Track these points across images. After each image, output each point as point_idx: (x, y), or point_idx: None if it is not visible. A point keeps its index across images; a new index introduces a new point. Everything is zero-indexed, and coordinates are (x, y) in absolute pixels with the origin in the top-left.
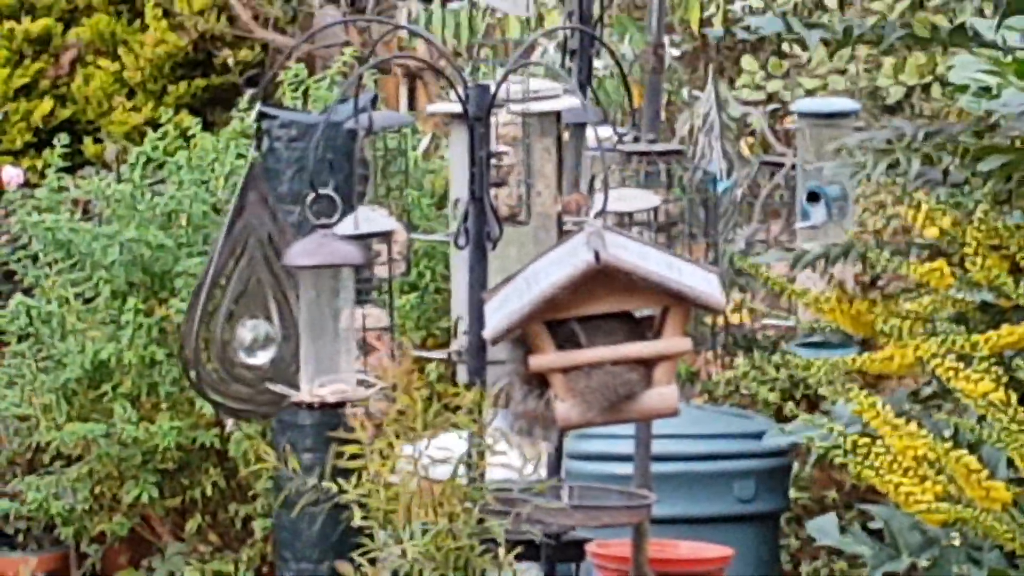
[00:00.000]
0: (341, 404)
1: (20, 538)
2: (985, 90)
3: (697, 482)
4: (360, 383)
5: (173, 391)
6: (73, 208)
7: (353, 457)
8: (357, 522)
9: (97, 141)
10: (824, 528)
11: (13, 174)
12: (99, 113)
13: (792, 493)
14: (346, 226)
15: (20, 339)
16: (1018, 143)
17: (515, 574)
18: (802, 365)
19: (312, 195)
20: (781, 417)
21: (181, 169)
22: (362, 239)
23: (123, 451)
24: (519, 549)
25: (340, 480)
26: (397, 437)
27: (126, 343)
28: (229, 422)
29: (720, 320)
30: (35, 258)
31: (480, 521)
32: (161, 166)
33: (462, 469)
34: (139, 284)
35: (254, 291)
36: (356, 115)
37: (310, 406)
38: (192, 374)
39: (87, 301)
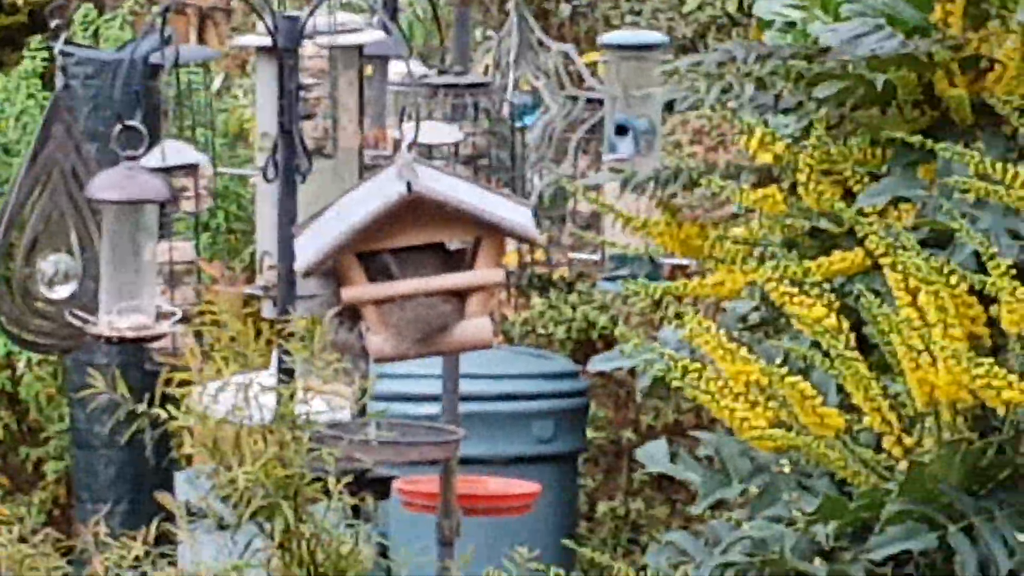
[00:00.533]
0: (141, 339)
1: None
2: (790, 25)
3: (497, 422)
4: (160, 316)
5: None
6: None
7: (181, 384)
8: (186, 450)
9: None
10: (653, 455)
11: None
12: None
13: (589, 433)
14: (153, 158)
15: None
16: (850, 68)
17: (345, 504)
18: (632, 290)
19: (119, 127)
20: (577, 357)
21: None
22: (169, 172)
23: None
24: (349, 478)
25: (168, 407)
26: (227, 364)
27: None
28: (20, 365)
29: (513, 260)
30: None
31: (310, 450)
32: None
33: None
34: None
35: (56, 225)
36: (162, 47)
37: (108, 340)
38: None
39: None
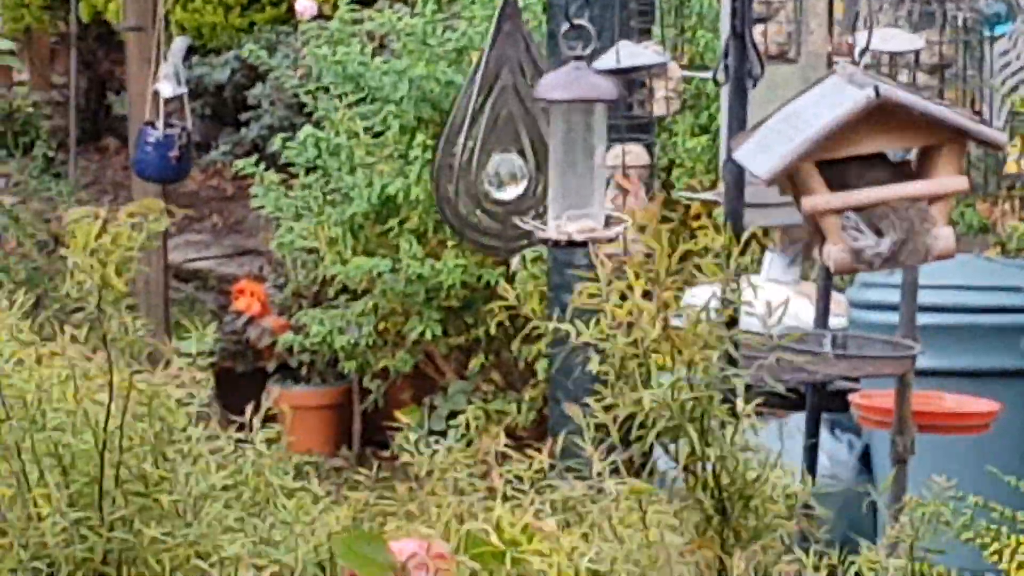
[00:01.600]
0: (588, 242)
1: (304, 371)
2: None
3: (983, 335)
4: (609, 221)
5: None
6: (368, 41)
7: (592, 297)
8: (594, 368)
9: None
10: None
11: (307, 5)
12: None
13: None
14: (607, 60)
15: (308, 171)
16: None
17: (755, 428)
18: None
19: (567, 25)
20: None
21: (474, 3)
22: (623, 73)
23: (408, 287)
24: (759, 400)
25: (577, 322)
26: (638, 280)
27: (414, 178)
28: (514, 261)
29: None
30: (326, 90)
31: (720, 371)
32: (454, 1)
33: (705, 316)
34: (428, 120)
35: (505, 125)
36: None
37: (556, 243)
38: (444, 209)
39: (376, 135)
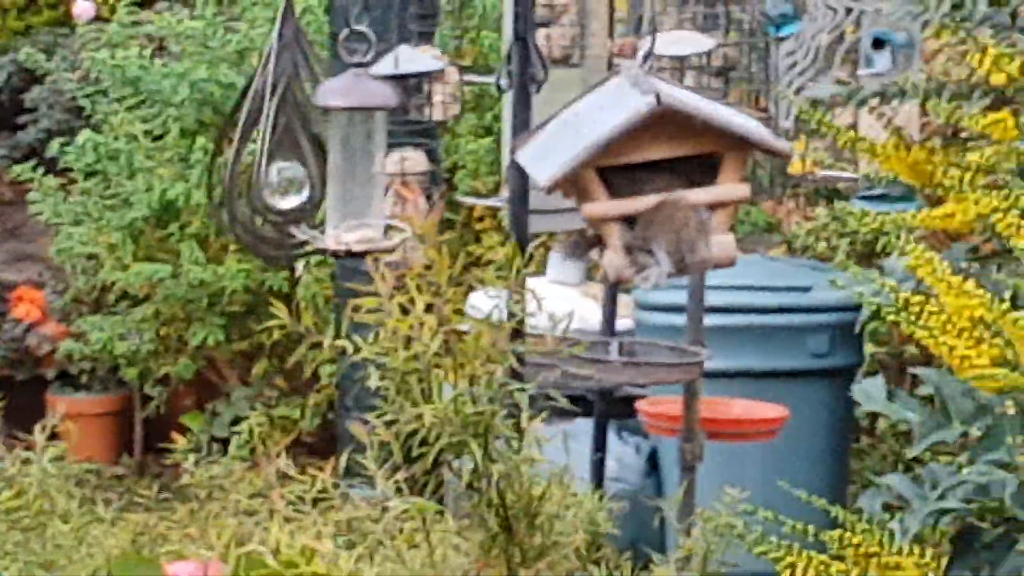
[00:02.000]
0: (367, 253)
1: (84, 379)
2: None
3: (770, 335)
4: (389, 230)
5: None
6: (147, 44)
7: (371, 312)
8: (373, 383)
9: None
10: (870, 392)
11: (85, 7)
12: None
13: (870, 348)
14: (386, 65)
15: (87, 176)
16: None
17: (538, 441)
18: (857, 216)
19: (346, 31)
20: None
21: (255, 5)
22: (402, 79)
23: (189, 292)
24: (543, 415)
25: (356, 337)
26: (420, 292)
27: (194, 183)
28: (299, 266)
29: (798, 168)
30: (105, 93)
31: (503, 385)
32: (235, 2)
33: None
34: (209, 123)
35: (286, 133)
36: None
37: (335, 254)
38: (225, 216)
39: (156, 139)
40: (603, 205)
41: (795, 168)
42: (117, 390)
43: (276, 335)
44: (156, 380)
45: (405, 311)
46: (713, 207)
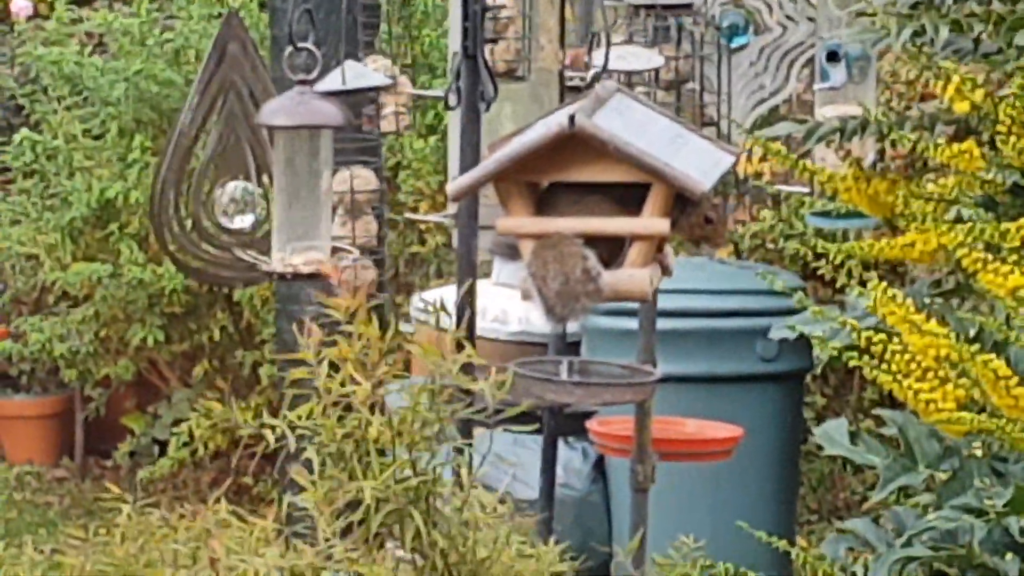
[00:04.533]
0: (315, 275)
1: (23, 380)
2: None
3: (719, 339)
4: (336, 251)
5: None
6: (86, 41)
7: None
8: (310, 457)
9: None
10: (832, 435)
11: (23, 5)
12: None
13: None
14: (333, 81)
15: (26, 176)
16: None
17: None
18: (813, 254)
19: (291, 49)
20: (807, 273)
21: (193, 3)
22: (353, 95)
23: (129, 293)
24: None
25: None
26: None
27: (133, 182)
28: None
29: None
30: (45, 91)
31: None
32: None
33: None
34: (147, 122)
35: (234, 151)
36: None
37: (282, 276)
38: (164, 236)
39: (95, 138)
40: (514, 221)
41: (742, 168)
42: (57, 391)
43: (217, 336)
44: (96, 382)
45: (336, 368)
46: (633, 238)
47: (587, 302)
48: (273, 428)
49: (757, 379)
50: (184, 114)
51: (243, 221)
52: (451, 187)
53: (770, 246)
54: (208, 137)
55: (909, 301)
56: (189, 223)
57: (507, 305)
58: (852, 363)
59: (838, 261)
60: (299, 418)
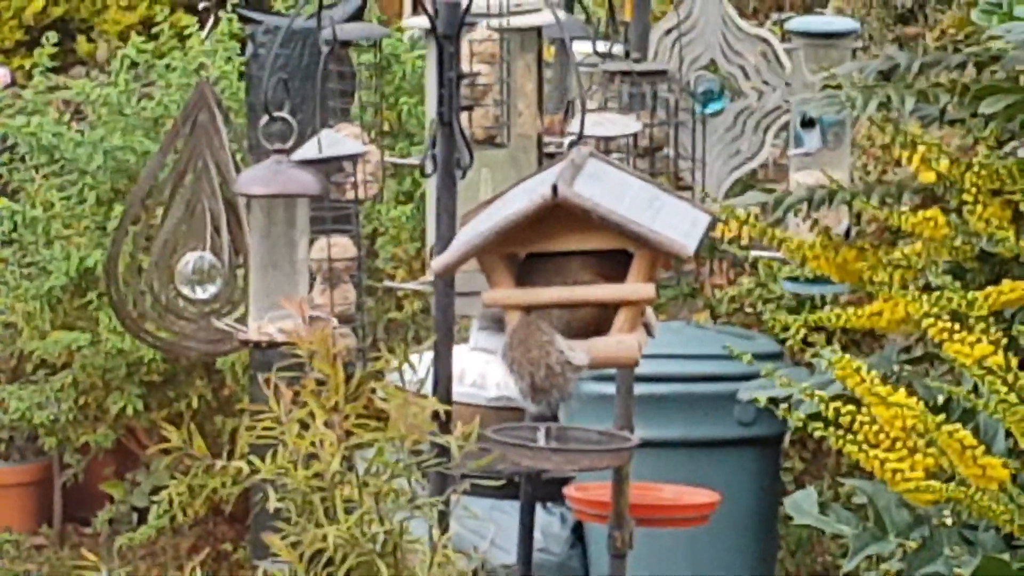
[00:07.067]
0: (291, 343)
1: (2, 448)
2: (996, 6)
3: (696, 404)
4: (313, 320)
5: None
6: (64, 110)
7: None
8: (273, 504)
9: (91, 41)
10: (802, 505)
11: (0, 74)
12: (93, 12)
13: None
14: (310, 150)
15: (4, 244)
16: (1022, 80)
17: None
18: (779, 325)
19: (266, 118)
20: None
21: (173, 72)
22: (327, 163)
23: (108, 361)
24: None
25: (253, 458)
26: (318, 408)
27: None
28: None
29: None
30: (23, 159)
31: (411, 500)
32: (151, 67)
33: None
34: (125, 191)
35: (199, 221)
36: (319, 25)
37: (257, 345)
38: (128, 308)
39: (74, 205)
40: (502, 293)
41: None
42: (36, 459)
43: (195, 403)
44: (75, 449)
45: (305, 426)
46: (619, 305)
47: (561, 391)
48: (239, 471)
49: (735, 443)
50: (143, 182)
51: (204, 291)
52: (435, 264)
53: (748, 310)
54: (170, 208)
55: (874, 373)
56: (148, 296)
57: (485, 370)
58: (817, 434)
59: (800, 335)
60: (263, 461)
